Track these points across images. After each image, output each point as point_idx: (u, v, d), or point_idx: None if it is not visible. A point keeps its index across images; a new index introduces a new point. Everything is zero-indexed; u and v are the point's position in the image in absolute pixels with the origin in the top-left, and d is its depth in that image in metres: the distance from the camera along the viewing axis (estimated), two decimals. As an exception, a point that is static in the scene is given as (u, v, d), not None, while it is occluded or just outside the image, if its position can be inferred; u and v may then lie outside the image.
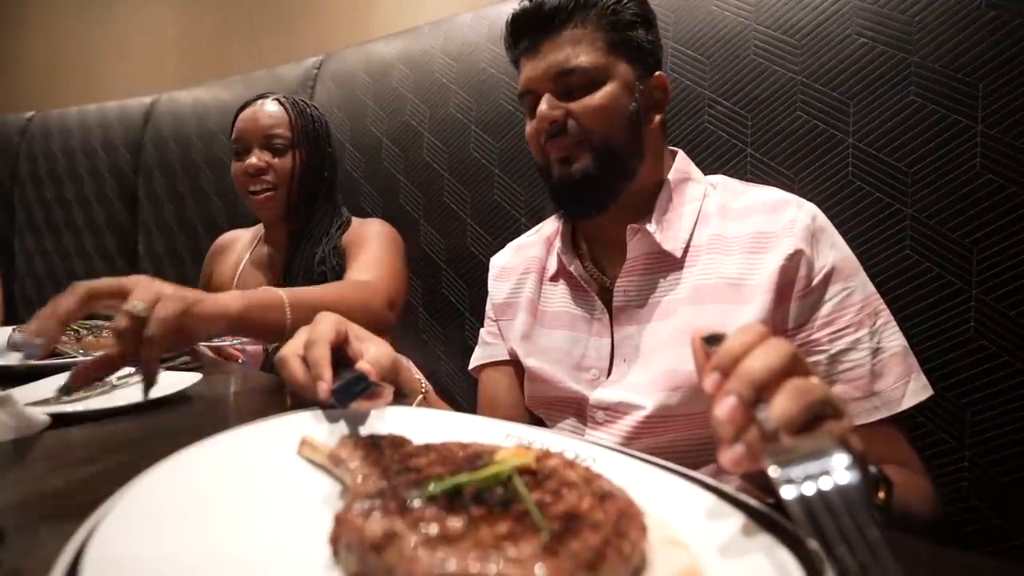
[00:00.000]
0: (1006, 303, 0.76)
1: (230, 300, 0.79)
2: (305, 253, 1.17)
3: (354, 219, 1.25)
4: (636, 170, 0.76)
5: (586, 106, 0.73)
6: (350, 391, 0.45)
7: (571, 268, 0.80)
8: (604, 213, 0.75)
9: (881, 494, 0.46)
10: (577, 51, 0.73)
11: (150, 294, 0.59)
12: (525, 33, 0.76)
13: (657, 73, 0.77)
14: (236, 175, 1.19)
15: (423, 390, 0.62)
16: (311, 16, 2.16)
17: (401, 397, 0.58)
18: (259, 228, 1.35)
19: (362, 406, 0.48)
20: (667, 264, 0.74)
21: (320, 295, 0.94)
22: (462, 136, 1.30)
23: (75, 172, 2.11)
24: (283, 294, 0.88)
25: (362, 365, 0.48)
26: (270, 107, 1.20)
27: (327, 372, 0.47)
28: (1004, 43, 0.77)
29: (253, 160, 1.16)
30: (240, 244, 1.36)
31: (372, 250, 1.13)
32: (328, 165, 1.23)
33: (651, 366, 0.71)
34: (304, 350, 0.50)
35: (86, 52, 2.92)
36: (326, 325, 0.51)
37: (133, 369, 0.73)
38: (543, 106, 0.73)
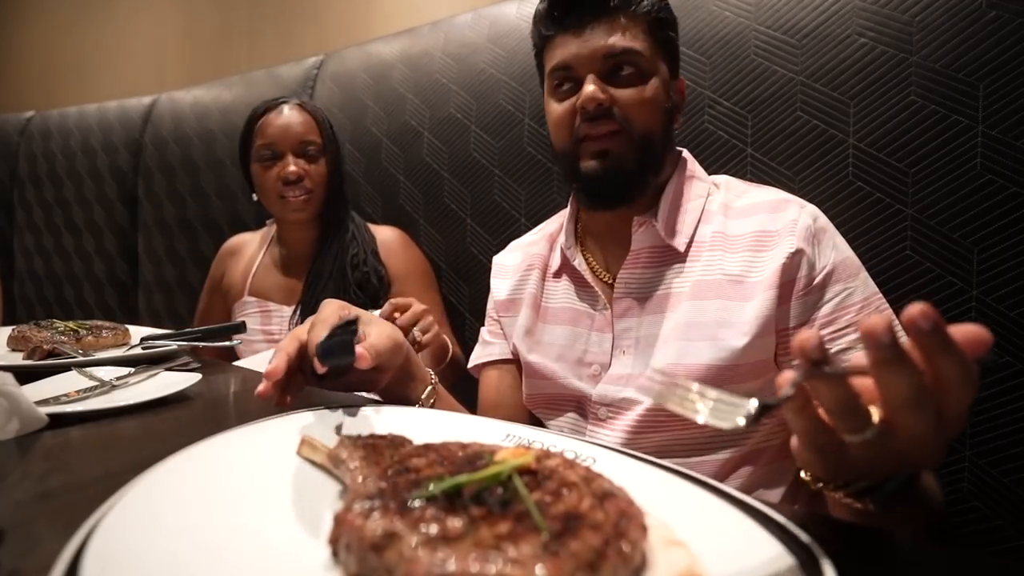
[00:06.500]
0: (1006, 303, 0.76)
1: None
2: (334, 253, 1.21)
3: (368, 223, 1.30)
4: (663, 167, 0.77)
5: (635, 96, 0.72)
6: (333, 349, 0.49)
7: (575, 263, 0.81)
8: (629, 206, 0.75)
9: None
10: (628, 38, 0.71)
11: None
12: (573, 8, 0.73)
13: (680, 78, 0.80)
14: (269, 180, 1.21)
15: (432, 381, 0.62)
16: (311, 16, 2.16)
17: (409, 381, 0.60)
18: (268, 230, 1.37)
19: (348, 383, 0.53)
20: (670, 258, 0.75)
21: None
22: (462, 136, 1.30)
23: (75, 172, 2.11)
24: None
25: (360, 350, 0.51)
26: (298, 113, 1.23)
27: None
28: (1004, 43, 0.77)
29: (292, 168, 1.19)
30: (251, 246, 1.38)
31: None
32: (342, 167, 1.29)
33: (651, 359, 0.72)
34: (307, 332, 0.53)
35: (86, 52, 2.92)
36: (330, 310, 0.55)
37: (133, 369, 0.73)
38: (591, 87, 0.70)
